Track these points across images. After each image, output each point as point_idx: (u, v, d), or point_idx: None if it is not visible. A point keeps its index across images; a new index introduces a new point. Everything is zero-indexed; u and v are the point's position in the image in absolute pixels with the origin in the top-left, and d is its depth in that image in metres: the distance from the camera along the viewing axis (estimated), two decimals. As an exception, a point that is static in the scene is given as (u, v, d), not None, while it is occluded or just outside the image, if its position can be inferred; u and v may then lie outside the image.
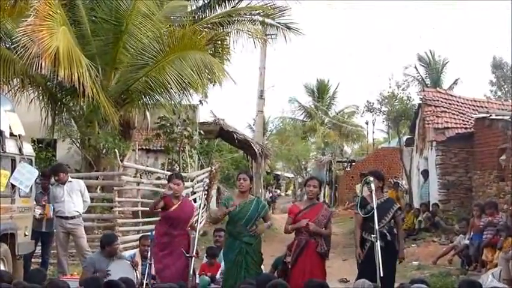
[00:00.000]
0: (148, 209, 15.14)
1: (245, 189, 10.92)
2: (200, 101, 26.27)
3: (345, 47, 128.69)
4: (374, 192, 10.19)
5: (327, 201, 51.53)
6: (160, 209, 11.28)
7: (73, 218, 13.91)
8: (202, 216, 23.66)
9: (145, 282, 11.07)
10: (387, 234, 10.71)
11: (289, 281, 10.20)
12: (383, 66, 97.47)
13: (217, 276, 12.19)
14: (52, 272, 14.35)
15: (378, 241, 9.47)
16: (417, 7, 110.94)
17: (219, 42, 23.60)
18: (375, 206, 9.95)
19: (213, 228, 18.39)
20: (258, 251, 10.92)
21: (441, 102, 25.88)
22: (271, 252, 15.46)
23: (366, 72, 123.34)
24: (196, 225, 11.30)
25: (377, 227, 9.64)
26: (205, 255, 13.17)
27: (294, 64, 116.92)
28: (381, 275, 9.07)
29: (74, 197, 14.00)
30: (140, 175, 22.18)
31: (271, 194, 56.42)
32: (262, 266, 11.40)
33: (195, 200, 22.65)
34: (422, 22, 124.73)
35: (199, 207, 11.59)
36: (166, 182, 11.92)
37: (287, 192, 58.12)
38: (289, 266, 10.80)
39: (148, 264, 11.26)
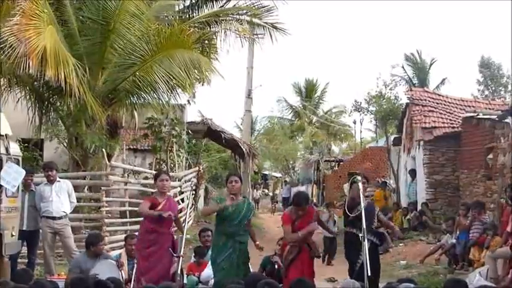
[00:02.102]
0: (136, 209, 15.11)
1: (237, 191, 10.89)
2: (188, 100, 26.21)
3: (333, 47, 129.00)
4: (361, 191, 10.20)
5: (315, 200, 51.65)
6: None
7: (60, 218, 13.86)
8: (190, 216, 23.73)
9: (132, 281, 11.05)
10: (375, 239, 10.94)
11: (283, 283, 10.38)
12: (370, 65, 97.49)
13: (204, 274, 12.18)
14: (39, 272, 14.30)
15: (365, 240, 9.46)
16: (406, 6, 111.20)
17: (207, 41, 23.56)
18: (362, 205, 9.95)
19: (196, 229, 18.42)
20: (247, 250, 10.92)
21: (429, 101, 25.95)
22: (259, 251, 15.46)
23: (354, 71, 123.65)
24: (184, 225, 11.25)
25: (364, 225, 9.62)
26: (193, 254, 13.15)
27: (282, 64, 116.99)
28: (369, 273, 9.07)
29: (62, 198, 13.95)
30: (128, 175, 22.15)
31: (259, 193, 56.48)
32: (250, 265, 11.41)
33: (182, 200, 22.67)
34: (410, 21, 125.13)
35: (187, 207, 11.58)
36: (153, 180, 11.86)
37: (275, 192, 57.97)
38: (281, 270, 10.89)
39: (134, 264, 11.25)
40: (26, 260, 14.12)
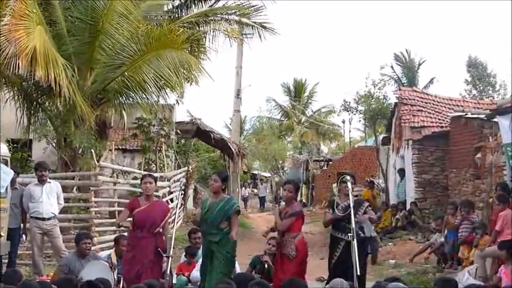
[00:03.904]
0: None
1: (215, 190, 10.91)
2: (177, 100, 26.19)
3: (322, 47, 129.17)
4: (350, 191, 10.19)
5: (304, 200, 51.70)
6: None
7: (49, 219, 13.82)
8: (179, 216, 23.73)
9: (121, 282, 11.04)
10: (360, 232, 10.96)
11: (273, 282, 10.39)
12: (359, 65, 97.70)
13: (193, 275, 12.18)
14: (28, 273, 14.25)
15: (355, 240, 9.45)
16: (394, 6, 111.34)
17: (196, 41, 23.55)
18: (351, 205, 9.95)
19: (186, 229, 18.39)
20: (227, 250, 10.77)
21: (418, 101, 25.99)
22: (249, 251, 15.46)
23: (343, 71, 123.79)
24: (172, 225, 11.24)
25: (353, 225, 9.63)
26: (184, 254, 13.14)
27: (271, 64, 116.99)
28: (358, 273, 9.07)
29: (51, 199, 13.91)
30: (117, 175, 22.10)
31: (247, 192, 56.63)
32: (238, 266, 11.41)
33: (172, 200, 22.65)
34: (399, 21, 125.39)
35: (176, 207, 11.57)
36: (140, 182, 11.81)
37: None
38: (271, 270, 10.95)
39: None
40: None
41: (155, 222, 11.07)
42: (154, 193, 12.30)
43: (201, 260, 11.34)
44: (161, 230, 11.14)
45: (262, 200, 52.50)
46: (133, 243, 11.05)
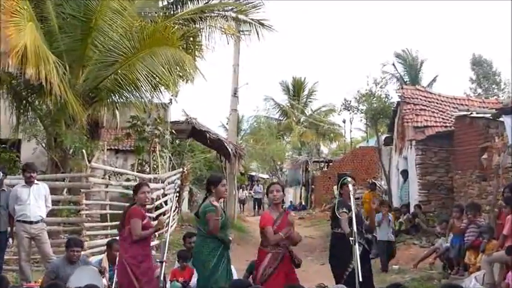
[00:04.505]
0: (117, 212, 14.91)
1: (226, 195, 10.88)
2: (171, 99, 26.09)
3: (322, 45, 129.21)
4: (351, 193, 10.04)
5: (303, 203, 51.67)
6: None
7: (37, 222, 13.63)
8: (174, 219, 23.59)
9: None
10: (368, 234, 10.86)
11: None
12: (360, 63, 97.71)
13: (192, 283, 12.03)
14: (15, 279, 14.10)
15: (357, 244, 9.32)
16: (396, 4, 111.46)
17: (191, 38, 23.47)
18: (353, 208, 9.81)
19: (180, 233, 18.27)
20: None
21: (421, 100, 25.87)
22: (246, 256, 15.33)
23: (343, 70, 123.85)
24: (166, 229, 11.06)
25: (355, 229, 9.48)
26: (177, 259, 13.00)
27: (269, 62, 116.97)
28: (361, 279, 8.94)
29: (39, 201, 13.72)
30: (109, 177, 21.95)
31: (244, 194, 56.43)
32: (234, 271, 11.27)
33: (166, 202, 22.52)
34: (401, 19, 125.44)
35: (170, 210, 11.41)
36: (133, 192, 11.37)
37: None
38: (260, 280, 10.48)
39: (114, 270, 11.06)
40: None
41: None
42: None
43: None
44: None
45: (257, 201, 51.87)
46: (145, 253, 10.79)
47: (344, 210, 10.82)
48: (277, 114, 66.00)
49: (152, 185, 18.00)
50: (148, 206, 15.80)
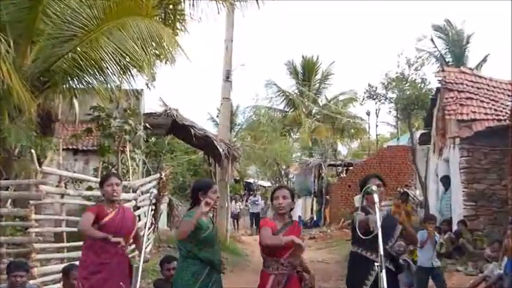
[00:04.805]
0: (76, 229, 14.89)
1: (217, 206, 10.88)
2: (146, 84, 26.17)
3: (339, 15, 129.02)
4: (377, 205, 10.10)
5: (315, 218, 51.71)
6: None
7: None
8: (149, 239, 23.66)
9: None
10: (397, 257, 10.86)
11: None
12: (389, 39, 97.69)
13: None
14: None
15: (383, 270, 9.38)
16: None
17: (171, 6, 23.52)
18: (379, 224, 9.84)
19: (157, 256, 18.32)
20: None
21: (467, 85, 25.96)
22: (243, 283, 15.46)
23: (367, 47, 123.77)
24: (141, 251, 11.12)
25: (382, 251, 9.53)
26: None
27: (271, 37, 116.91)
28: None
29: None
30: (66, 184, 22.02)
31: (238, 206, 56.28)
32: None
33: (139, 218, 22.59)
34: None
35: (145, 227, 11.49)
36: (99, 186, 11.63)
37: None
38: None
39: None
40: None
41: (129, 232, 11.16)
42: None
43: None
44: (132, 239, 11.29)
45: (255, 216, 51.51)
46: (102, 262, 10.87)
47: (360, 212, 10.90)
48: (282, 104, 66.19)
49: (121, 195, 18.06)
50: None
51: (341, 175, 53.38)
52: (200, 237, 10.25)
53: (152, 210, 16.06)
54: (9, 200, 18.61)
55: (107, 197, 11.15)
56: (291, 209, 10.73)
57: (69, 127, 27.23)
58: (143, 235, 11.17)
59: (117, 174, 11.97)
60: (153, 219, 24.89)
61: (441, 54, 52.47)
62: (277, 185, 60.56)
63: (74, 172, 23.48)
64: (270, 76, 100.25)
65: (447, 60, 51.22)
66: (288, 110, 65.77)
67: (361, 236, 10.43)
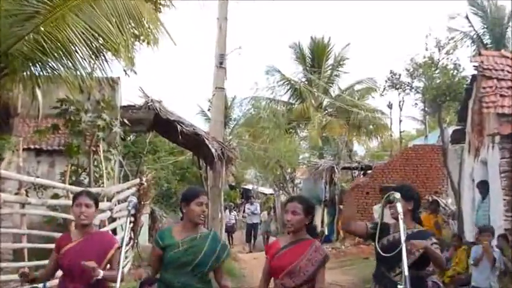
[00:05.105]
0: (40, 245, 14.88)
1: (202, 220, 10.80)
2: (124, 71, 26.18)
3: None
4: (401, 216, 10.10)
5: (326, 232, 51.72)
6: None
7: None
8: (127, 258, 23.68)
9: None
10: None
11: None
12: (415, 17, 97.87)
13: None
14: None
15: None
16: None
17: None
18: (403, 239, 9.86)
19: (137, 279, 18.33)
20: None
21: (509, 72, 25.93)
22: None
23: (388, 26, 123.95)
24: (115, 272, 11.11)
25: (406, 271, 9.55)
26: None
27: (274, 15, 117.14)
28: None
29: None
30: (27, 191, 22.06)
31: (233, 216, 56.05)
32: None
33: (115, 231, 22.61)
34: None
35: (123, 243, 11.41)
36: (71, 203, 11.51)
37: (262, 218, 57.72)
38: None
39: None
40: None
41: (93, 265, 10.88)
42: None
43: None
44: (103, 274, 10.91)
45: (253, 228, 51.36)
46: None
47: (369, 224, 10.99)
48: (287, 95, 66.14)
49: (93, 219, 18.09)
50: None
51: (358, 180, 53.28)
52: (165, 257, 10.46)
53: (131, 222, 16.09)
54: (-41, 211, 18.67)
55: (75, 221, 11.08)
56: (309, 223, 10.84)
57: (31, 123, 27.25)
58: (121, 253, 10.86)
59: (90, 193, 11.59)
60: (132, 233, 24.94)
61: (478, 34, 52.37)
62: (280, 192, 60.87)
63: (37, 177, 23.46)
64: (272, 61, 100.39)
65: (485, 42, 51.17)
66: (293, 102, 65.76)
67: (380, 252, 10.49)
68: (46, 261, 11.30)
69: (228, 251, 10.81)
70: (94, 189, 22.09)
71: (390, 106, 58.32)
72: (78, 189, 21.53)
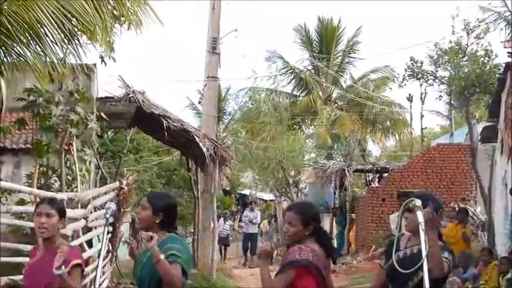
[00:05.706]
0: (4, 259, 14.92)
1: (145, 225, 10.90)
2: (101, 57, 26.18)
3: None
4: (422, 226, 10.09)
5: (335, 244, 51.65)
6: None
7: None
8: (104, 274, 23.72)
9: None
10: None
11: None
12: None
13: None
14: None
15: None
16: None
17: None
18: (424, 253, 9.87)
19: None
20: None
21: (549, 60, 25.99)
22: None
23: (407, 7, 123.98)
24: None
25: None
26: None
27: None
28: None
29: None
30: (-11, 196, 22.14)
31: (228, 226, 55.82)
32: None
33: (90, 243, 22.64)
34: None
35: (99, 257, 11.43)
36: (34, 211, 11.46)
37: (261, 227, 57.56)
38: None
39: None
40: None
41: (52, 285, 10.64)
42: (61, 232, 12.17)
43: None
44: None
45: (251, 239, 50.96)
46: None
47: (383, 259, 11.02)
48: (290, 85, 66.14)
49: (67, 212, 18.12)
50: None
51: (372, 184, 53.33)
52: None
53: (109, 232, 16.11)
54: None
55: (36, 232, 11.03)
56: (313, 233, 10.78)
57: (-7, 117, 27.30)
58: (97, 267, 10.81)
59: (53, 200, 11.40)
60: (110, 245, 24.94)
61: (512, 15, 52.49)
62: (282, 198, 60.84)
63: (0, 180, 23.49)
64: (274, 46, 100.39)
65: (521, 25, 51.22)
66: (298, 93, 65.78)
67: (398, 268, 10.49)
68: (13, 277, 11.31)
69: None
70: (65, 194, 22.13)
71: (410, 99, 58.38)
72: (47, 194, 21.61)
